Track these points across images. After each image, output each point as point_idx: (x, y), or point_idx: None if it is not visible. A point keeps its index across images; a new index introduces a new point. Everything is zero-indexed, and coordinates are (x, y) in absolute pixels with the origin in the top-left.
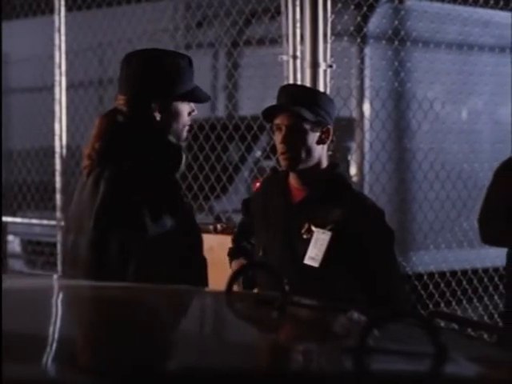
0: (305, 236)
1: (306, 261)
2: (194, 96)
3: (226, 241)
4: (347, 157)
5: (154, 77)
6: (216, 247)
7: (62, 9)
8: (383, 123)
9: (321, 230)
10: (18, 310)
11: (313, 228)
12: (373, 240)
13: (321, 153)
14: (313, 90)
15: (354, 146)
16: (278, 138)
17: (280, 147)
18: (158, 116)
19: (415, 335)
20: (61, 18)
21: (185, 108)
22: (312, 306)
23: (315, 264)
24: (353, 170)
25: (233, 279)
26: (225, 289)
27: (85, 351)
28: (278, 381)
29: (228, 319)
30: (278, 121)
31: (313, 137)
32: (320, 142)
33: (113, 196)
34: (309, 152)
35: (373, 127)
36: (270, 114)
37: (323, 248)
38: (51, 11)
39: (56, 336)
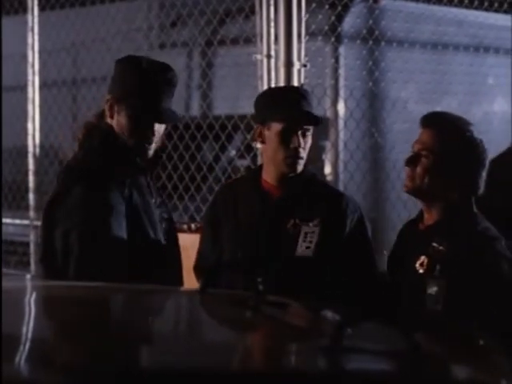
0: (291, 232)
1: (298, 253)
2: (166, 117)
3: None
4: (322, 156)
5: (134, 89)
6: (190, 247)
7: (36, 8)
8: (357, 122)
9: (308, 224)
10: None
11: (299, 223)
12: (357, 232)
13: None
14: (308, 91)
15: (328, 145)
16: (285, 141)
17: (288, 151)
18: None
19: (389, 333)
20: (34, 17)
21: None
22: (286, 305)
23: (309, 254)
24: (327, 169)
25: (208, 278)
26: (199, 288)
27: (57, 351)
28: (249, 380)
29: (202, 318)
30: (288, 124)
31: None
32: None
33: (62, 194)
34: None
35: (347, 126)
36: (287, 116)
37: (314, 240)
38: (24, 10)
39: (29, 336)
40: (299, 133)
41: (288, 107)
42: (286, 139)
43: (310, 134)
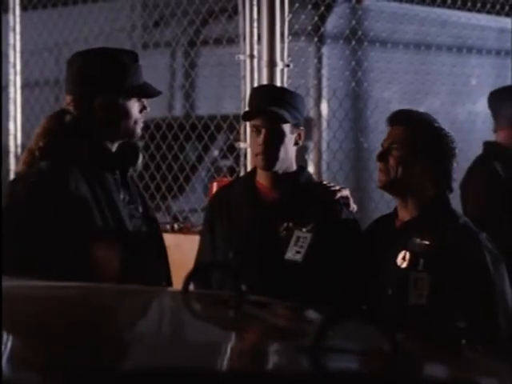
0: (283, 235)
1: (287, 257)
2: (141, 91)
3: (183, 240)
4: (304, 156)
5: (95, 74)
6: (173, 246)
7: (17, 8)
8: (340, 123)
9: (301, 229)
10: None
11: (292, 227)
12: (350, 238)
13: (294, 154)
14: (290, 91)
15: (311, 145)
16: (256, 139)
17: (257, 148)
18: (105, 114)
19: (372, 332)
20: (16, 17)
21: (134, 104)
22: (268, 305)
23: (298, 259)
24: (310, 170)
25: (189, 278)
26: (181, 288)
27: (38, 351)
28: (231, 380)
29: (184, 318)
30: (257, 122)
31: (290, 139)
32: (295, 143)
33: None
34: (286, 153)
35: (330, 127)
36: (249, 114)
37: (305, 245)
38: (6, 10)
39: (7, 336)
40: (263, 130)
41: (252, 105)
42: (253, 136)
43: (284, 132)
